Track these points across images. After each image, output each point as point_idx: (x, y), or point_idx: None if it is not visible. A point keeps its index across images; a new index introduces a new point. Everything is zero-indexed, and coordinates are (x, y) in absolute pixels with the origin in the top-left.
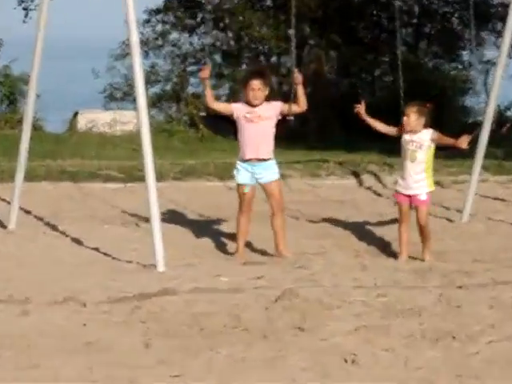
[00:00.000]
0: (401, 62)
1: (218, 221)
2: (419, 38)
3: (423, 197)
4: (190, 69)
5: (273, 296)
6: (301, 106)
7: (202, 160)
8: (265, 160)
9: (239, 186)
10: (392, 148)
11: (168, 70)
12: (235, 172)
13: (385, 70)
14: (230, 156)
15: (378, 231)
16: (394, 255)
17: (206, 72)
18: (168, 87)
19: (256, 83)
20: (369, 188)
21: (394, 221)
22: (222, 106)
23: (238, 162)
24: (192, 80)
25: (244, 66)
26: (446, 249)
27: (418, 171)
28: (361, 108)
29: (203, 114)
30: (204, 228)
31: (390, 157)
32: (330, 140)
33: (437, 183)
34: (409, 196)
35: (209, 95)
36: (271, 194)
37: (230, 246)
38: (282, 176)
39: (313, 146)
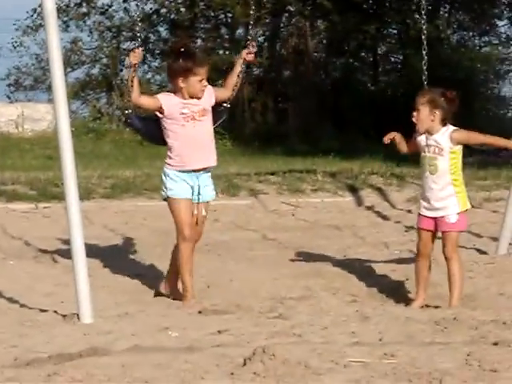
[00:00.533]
0: (424, 31)
1: (165, 252)
2: (439, 1)
3: (452, 219)
4: (125, 46)
5: (240, 357)
6: (233, 90)
7: (143, 171)
8: (210, 168)
9: (174, 201)
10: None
11: (95, 48)
12: (168, 182)
13: (391, 46)
14: None
15: (384, 268)
16: (405, 300)
17: (137, 56)
18: (95, 71)
19: (204, 71)
20: (370, 208)
21: (405, 253)
22: (150, 102)
23: (172, 170)
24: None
25: (199, 42)
26: (476, 291)
27: (442, 186)
28: (395, 136)
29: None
30: (146, 263)
31: (399, 165)
32: (317, 142)
33: None
34: (433, 219)
35: (135, 87)
36: (200, 217)
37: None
38: (252, 192)
39: (294, 150)
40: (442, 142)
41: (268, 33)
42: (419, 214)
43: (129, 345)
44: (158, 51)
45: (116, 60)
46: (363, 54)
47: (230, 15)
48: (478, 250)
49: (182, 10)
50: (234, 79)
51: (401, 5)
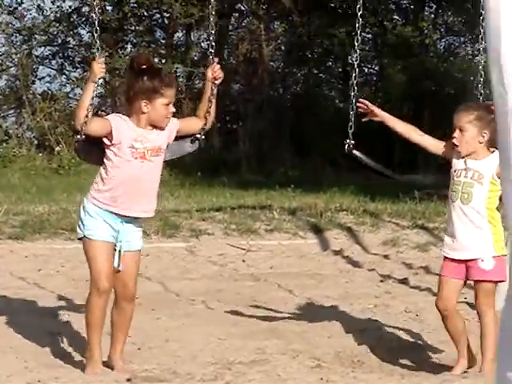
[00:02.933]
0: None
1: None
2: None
3: (487, 264)
4: (38, 52)
5: None
6: (206, 118)
7: (59, 206)
8: (143, 217)
9: (91, 243)
10: (376, 182)
11: (2, 55)
12: (86, 219)
13: (364, 54)
14: None
15: (354, 326)
16: (379, 366)
17: (101, 68)
18: (1, 83)
19: (171, 94)
20: (339, 253)
21: (380, 309)
22: (99, 125)
23: (94, 206)
24: (42, 70)
25: (129, 48)
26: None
27: (475, 219)
28: (366, 105)
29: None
30: (62, 319)
31: (373, 199)
32: (273, 171)
33: None
34: (463, 264)
35: (86, 106)
36: (129, 271)
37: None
38: (194, 232)
39: (246, 181)
40: (486, 168)
41: (213, 37)
42: (444, 258)
43: None
44: (78, 58)
45: (27, 70)
46: (330, 63)
47: (166, 15)
48: (470, 305)
49: (109, 8)
50: (205, 106)
51: (376, 3)
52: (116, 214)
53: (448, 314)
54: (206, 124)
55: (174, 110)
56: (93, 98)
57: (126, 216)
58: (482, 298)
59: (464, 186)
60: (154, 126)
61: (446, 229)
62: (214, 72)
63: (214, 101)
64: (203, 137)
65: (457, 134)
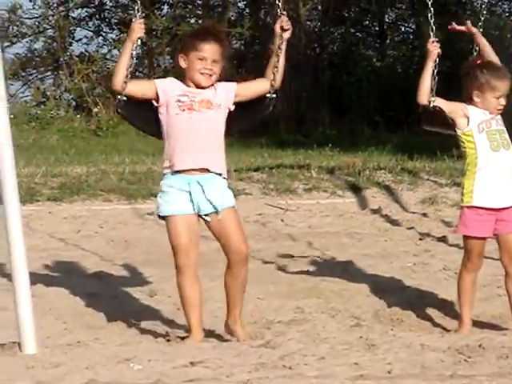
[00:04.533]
0: None
1: (127, 268)
2: None
3: None
4: (75, 14)
5: None
6: (274, 74)
7: (98, 167)
8: (214, 174)
9: (167, 220)
10: (414, 141)
11: (39, 17)
12: (160, 197)
13: (401, 13)
14: (148, 161)
15: (394, 284)
16: (419, 325)
17: (141, 27)
18: (39, 45)
19: (209, 49)
20: (377, 211)
21: (420, 267)
22: (142, 87)
23: (165, 177)
24: (80, 32)
25: (166, 9)
26: (506, 311)
27: (511, 170)
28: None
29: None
30: (101, 280)
31: (412, 157)
32: (311, 131)
33: None
34: (498, 212)
35: (125, 68)
36: (230, 232)
37: (149, 311)
38: (232, 192)
39: (283, 140)
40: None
41: None
42: (477, 208)
43: (82, 380)
44: (115, 20)
45: (64, 32)
46: (367, 22)
47: None
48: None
49: None
50: (272, 62)
51: None
52: (181, 171)
53: (475, 271)
54: (274, 80)
55: (211, 68)
56: (132, 59)
57: (189, 171)
58: None
59: (500, 133)
60: (201, 87)
61: (480, 180)
62: (283, 24)
63: (282, 56)
64: (274, 95)
65: (501, 100)
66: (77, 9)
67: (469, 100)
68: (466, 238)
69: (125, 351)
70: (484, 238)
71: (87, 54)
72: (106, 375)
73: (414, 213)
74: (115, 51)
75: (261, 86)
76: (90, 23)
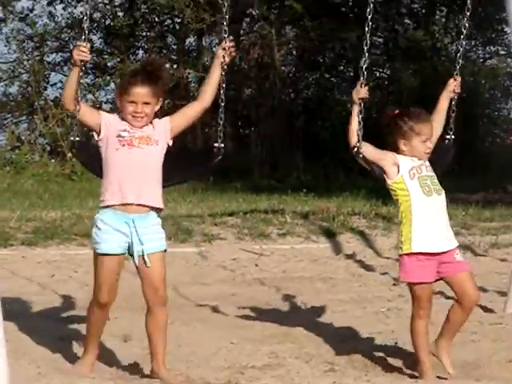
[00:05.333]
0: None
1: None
2: (434, 4)
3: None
4: (50, 58)
5: None
6: (203, 98)
7: (72, 211)
8: (150, 210)
9: (100, 256)
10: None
11: (14, 61)
12: (95, 234)
13: (376, 59)
14: None
15: (367, 330)
16: (393, 369)
17: (83, 52)
18: (14, 89)
19: (139, 93)
20: (351, 257)
21: (393, 312)
22: (86, 112)
23: (102, 213)
24: (54, 77)
25: (140, 54)
26: (480, 357)
27: (446, 214)
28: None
29: (76, 136)
30: (75, 324)
31: (385, 203)
32: (286, 176)
33: (465, 247)
34: (439, 256)
35: (72, 90)
36: (153, 275)
37: (123, 355)
38: (206, 237)
39: (258, 185)
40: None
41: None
42: (418, 254)
43: None
44: (90, 65)
45: (39, 76)
46: (342, 67)
47: (178, 21)
48: (483, 308)
49: (120, 14)
50: (207, 85)
51: (387, 8)
52: (119, 208)
53: (427, 312)
54: (204, 103)
55: (141, 111)
56: (79, 83)
57: (129, 207)
58: (475, 291)
59: (431, 179)
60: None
61: (418, 226)
62: (227, 48)
63: (216, 76)
64: (222, 145)
65: (427, 143)
66: (51, 53)
67: (395, 150)
68: (411, 285)
69: None
70: (430, 283)
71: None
72: None
73: (388, 258)
74: (90, 96)
75: (193, 107)
76: (65, 68)
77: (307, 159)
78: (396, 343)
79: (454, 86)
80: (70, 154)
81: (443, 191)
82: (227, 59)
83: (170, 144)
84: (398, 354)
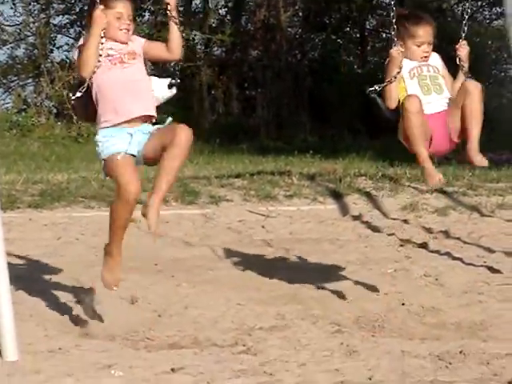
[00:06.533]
0: None
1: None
2: None
3: None
4: (56, 21)
5: None
6: (173, 50)
7: (78, 174)
8: (148, 120)
9: (111, 158)
10: (394, 147)
11: (20, 24)
12: (98, 146)
13: (382, 19)
14: None
15: (373, 292)
16: (401, 330)
17: (102, 18)
18: (20, 52)
19: (123, 6)
20: (358, 218)
21: (401, 273)
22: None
23: (102, 131)
24: (61, 39)
25: (147, 16)
26: (488, 318)
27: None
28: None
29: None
30: (82, 286)
31: (393, 164)
32: (292, 137)
33: (472, 208)
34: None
35: (92, 60)
36: (174, 134)
37: (130, 317)
38: (213, 199)
39: (264, 147)
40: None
41: (231, 3)
42: None
43: None
44: None
45: (45, 39)
46: (348, 28)
47: None
48: (490, 268)
49: None
50: (174, 37)
51: None
52: (121, 123)
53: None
54: (173, 55)
55: (128, 24)
56: (98, 50)
57: (131, 122)
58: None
59: (432, 79)
60: (115, 40)
61: None
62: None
63: (176, 35)
64: (178, 80)
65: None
66: (58, 16)
67: None
68: None
69: (106, 358)
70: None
71: (68, 60)
72: (87, 382)
73: (394, 219)
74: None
75: (163, 50)
76: (71, 30)
77: (314, 120)
78: (403, 304)
79: (459, 48)
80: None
81: (445, 91)
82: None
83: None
84: (404, 315)
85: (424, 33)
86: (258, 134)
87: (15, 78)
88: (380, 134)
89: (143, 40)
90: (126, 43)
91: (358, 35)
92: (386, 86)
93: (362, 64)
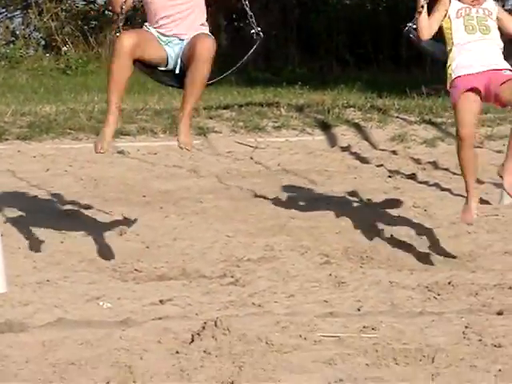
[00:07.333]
0: None
1: (97, 206)
2: None
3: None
4: None
5: (187, 332)
6: None
7: (67, 106)
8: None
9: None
10: (383, 78)
11: None
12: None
13: None
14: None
15: (363, 222)
16: (389, 261)
17: None
18: None
19: None
20: (346, 149)
21: (388, 203)
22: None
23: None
24: None
25: None
26: (476, 248)
27: (491, 52)
28: None
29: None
30: (71, 218)
31: (380, 95)
32: (280, 67)
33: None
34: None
35: None
36: (197, 42)
37: (118, 249)
38: (201, 130)
39: (253, 78)
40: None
41: None
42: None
43: (51, 318)
44: None
45: None
46: None
47: None
48: (481, 201)
49: None
50: None
51: None
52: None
53: (469, 138)
54: None
55: None
56: None
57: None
58: None
59: (479, 20)
60: None
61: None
62: None
63: None
64: (258, 29)
65: None
66: None
67: None
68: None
69: (94, 290)
70: (472, 90)
71: None
72: (76, 313)
73: (383, 150)
74: None
75: None
76: None
77: (302, 52)
78: (391, 235)
79: None
80: (64, 48)
81: (492, 32)
82: None
83: None
84: (393, 246)
85: None
86: (246, 65)
87: (3, 10)
88: (369, 65)
89: None
90: None
91: None
92: (417, 18)
93: None
